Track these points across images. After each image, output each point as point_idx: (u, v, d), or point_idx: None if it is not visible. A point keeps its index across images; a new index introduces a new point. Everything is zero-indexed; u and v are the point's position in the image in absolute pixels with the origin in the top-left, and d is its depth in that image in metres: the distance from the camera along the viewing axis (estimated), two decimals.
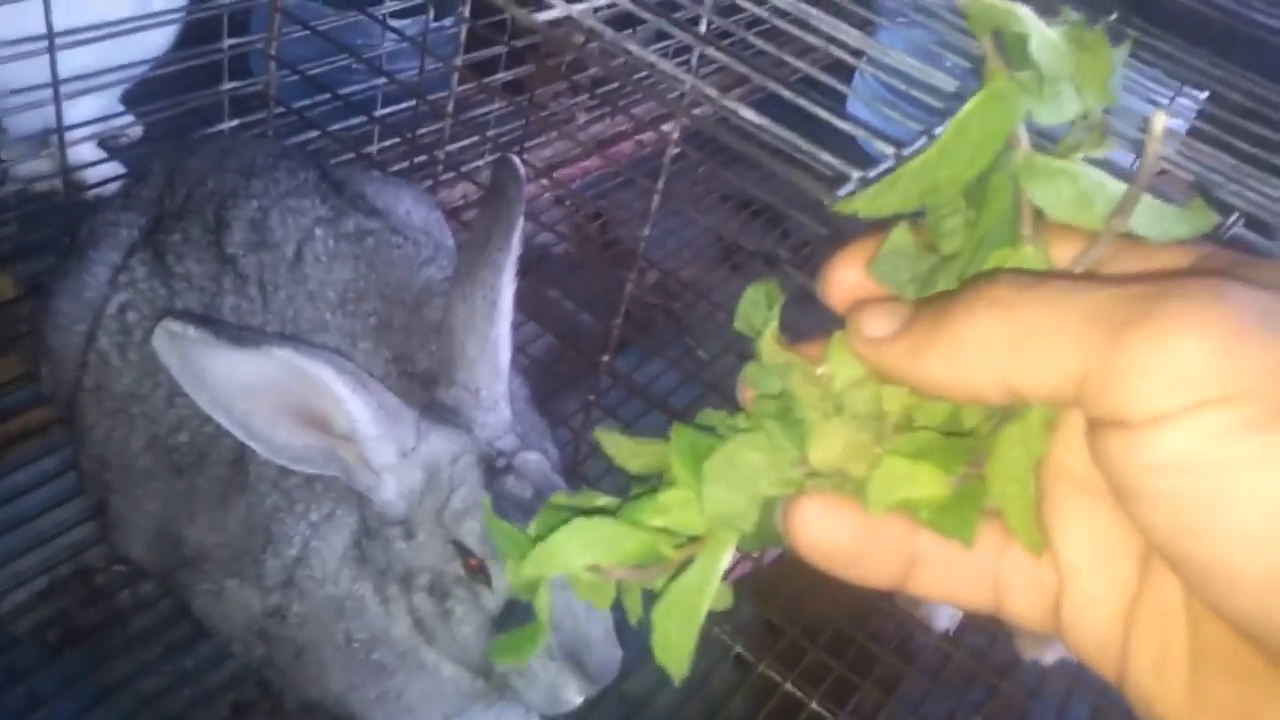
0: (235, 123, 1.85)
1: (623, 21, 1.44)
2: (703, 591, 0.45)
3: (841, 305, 0.46)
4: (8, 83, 1.56)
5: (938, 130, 0.43)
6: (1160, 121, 0.39)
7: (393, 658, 1.09)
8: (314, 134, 1.94)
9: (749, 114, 1.17)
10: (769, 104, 1.23)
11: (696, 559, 0.46)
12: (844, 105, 1.58)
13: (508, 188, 1.12)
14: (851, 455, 0.44)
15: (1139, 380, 0.35)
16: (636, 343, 1.89)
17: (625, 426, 1.71)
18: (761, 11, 1.35)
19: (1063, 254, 0.42)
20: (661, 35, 1.72)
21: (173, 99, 1.82)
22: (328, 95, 1.91)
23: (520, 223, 1.12)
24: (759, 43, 1.37)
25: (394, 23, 1.98)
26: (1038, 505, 0.42)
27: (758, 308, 0.49)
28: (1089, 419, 0.37)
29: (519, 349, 1.48)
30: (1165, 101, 1.76)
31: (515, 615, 1.00)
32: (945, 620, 1.65)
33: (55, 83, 1.50)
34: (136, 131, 1.99)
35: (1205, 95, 1.75)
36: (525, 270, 1.14)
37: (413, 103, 1.96)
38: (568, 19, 1.24)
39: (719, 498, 0.45)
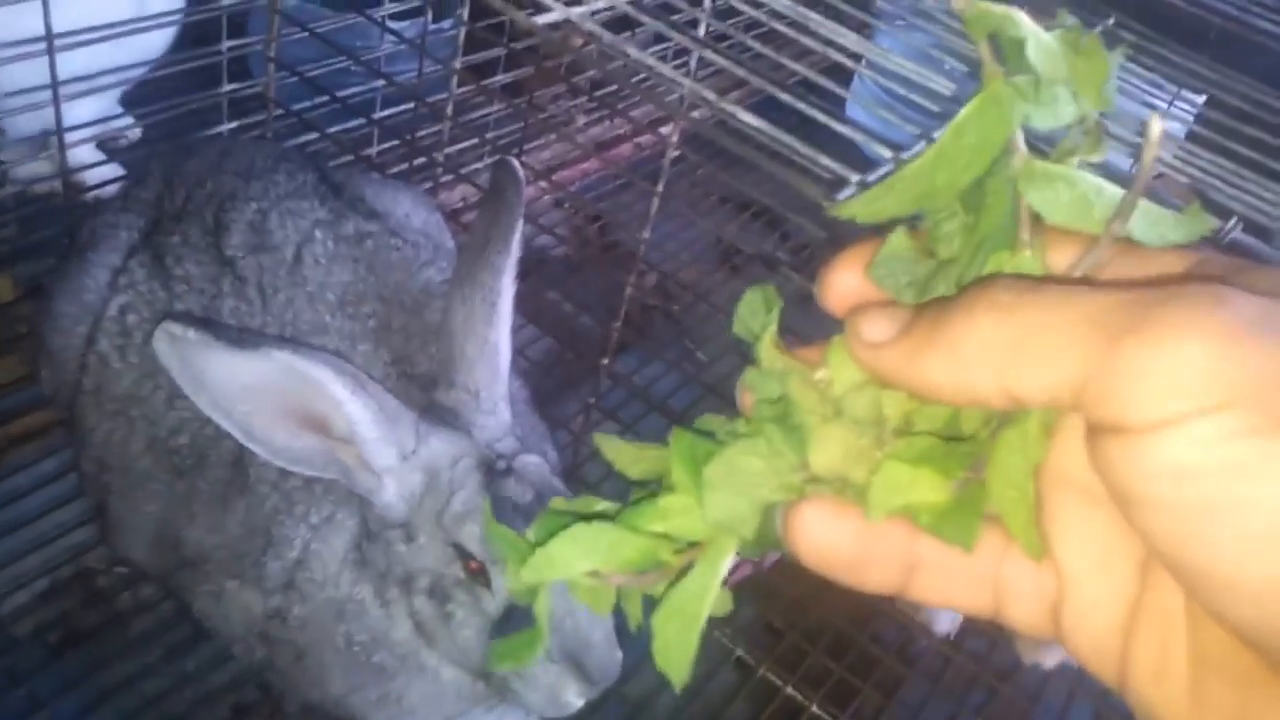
0: (234, 125, 1.85)
1: (621, 24, 1.44)
2: (703, 597, 0.45)
3: (839, 309, 0.46)
4: (7, 84, 1.56)
5: (936, 134, 0.43)
6: (1157, 126, 0.39)
7: (393, 660, 1.09)
8: (313, 136, 1.94)
9: (748, 117, 1.17)
10: (767, 107, 1.23)
11: (697, 565, 0.46)
12: (842, 108, 1.58)
13: (507, 190, 1.12)
14: (851, 460, 0.44)
15: (1139, 386, 0.35)
16: (636, 345, 1.89)
17: (625, 429, 1.71)
18: (760, 15, 1.35)
19: (1060, 258, 0.42)
20: (660, 38, 1.72)
21: (172, 101, 1.82)
22: (327, 97, 1.91)
23: (519, 225, 1.12)
24: (757, 46, 1.37)
25: (393, 25, 1.98)
26: (1037, 510, 0.42)
27: (756, 312, 0.49)
28: (1088, 424, 0.37)
29: (518, 351, 1.48)
30: (1163, 105, 1.76)
31: (516, 618, 1.00)
32: (946, 624, 1.65)
33: (54, 84, 1.50)
34: (135, 133, 1.99)
35: (1203, 99, 1.75)
36: (525, 273, 1.14)
37: (412, 105, 1.96)
38: (566, 22, 1.24)
39: (720, 504, 0.45)
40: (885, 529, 0.43)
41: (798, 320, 0.60)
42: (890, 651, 1.62)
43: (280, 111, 1.87)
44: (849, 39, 1.29)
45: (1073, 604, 0.43)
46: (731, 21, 1.48)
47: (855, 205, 0.44)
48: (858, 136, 1.22)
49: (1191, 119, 1.74)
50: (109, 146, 1.92)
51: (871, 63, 1.34)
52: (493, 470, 1.02)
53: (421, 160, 1.98)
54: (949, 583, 0.45)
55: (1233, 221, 1.30)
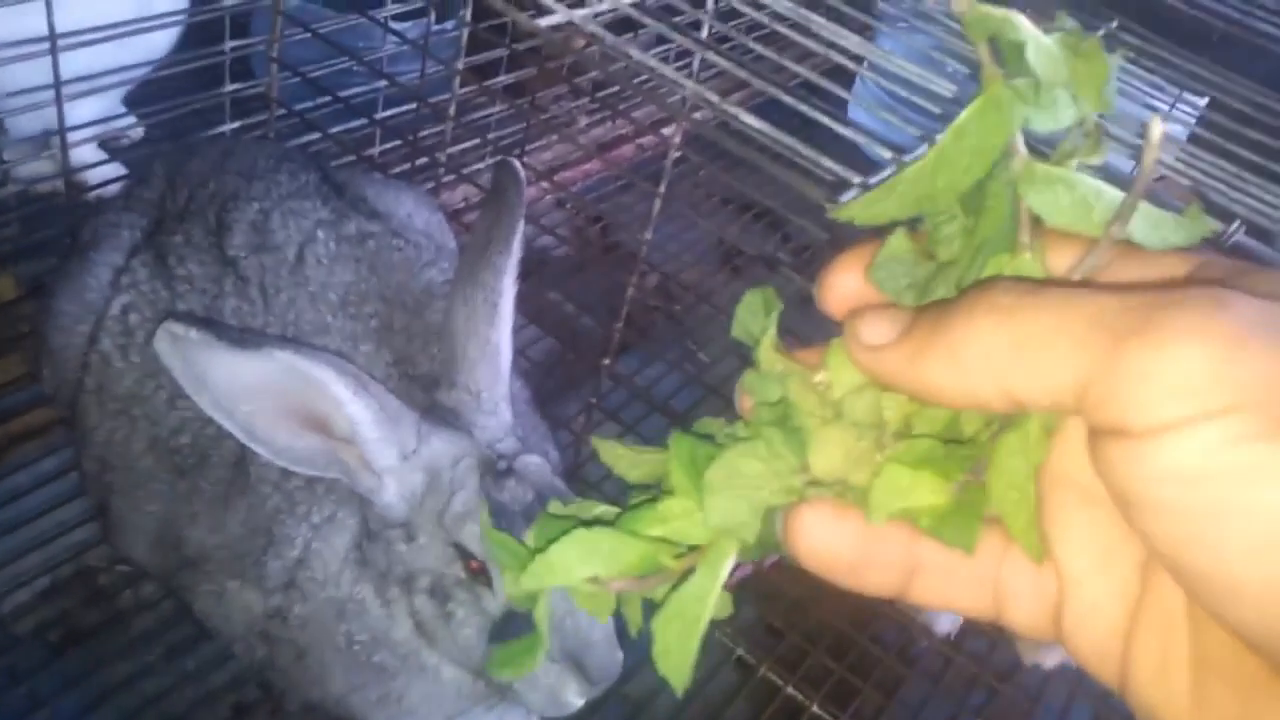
0: (237, 125, 1.85)
1: (623, 26, 1.44)
2: (704, 601, 0.45)
3: (839, 312, 0.46)
4: (10, 84, 1.57)
5: (937, 136, 0.43)
6: (1158, 128, 0.39)
7: (394, 660, 1.09)
8: (315, 136, 1.94)
9: (750, 119, 1.17)
10: (769, 109, 1.23)
11: (697, 569, 0.45)
12: (844, 110, 1.58)
13: (508, 191, 1.12)
14: (851, 463, 0.44)
15: (1141, 390, 0.35)
16: (638, 346, 1.90)
17: (626, 430, 1.71)
18: (762, 17, 1.35)
19: (1060, 261, 0.42)
20: (662, 40, 1.72)
21: (174, 101, 1.82)
22: (329, 98, 1.91)
23: (521, 226, 1.12)
24: (759, 48, 1.37)
25: (395, 26, 1.98)
26: (1038, 512, 0.42)
27: (755, 315, 0.48)
28: (1090, 427, 0.37)
29: (520, 352, 1.48)
30: (1164, 108, 1.76)
31: (517, 618, 1.00)
32: (946, 624, 1.65)
33: (57, 84, 1.50)
34: (138, 133, 2.00)
35: (1205, 102, 1.75)
36: (526, 273, 1.14)
37: (414, 105, 1.96)
38: (569, 23, 1.24)
39: (721, 508, 0.45)
40: (885, 532, 0.43)
41: (799, 322, 0.60)
42: (891, 652, 1.62)
43: (283, 112, 1.87)
44: (851, 41, 1.30)
45: (1073, 606, 0.43)
46: (733, 23, 1.48)
47: (855, 207, 0.44)
48: (859, 138, 1.22)
49: (1193, 122, 1.74)
50: (111, 146, 1.92)
51: (873, 65, 1.34)
52: (494, 470, 1.02)
53: (424, 160, 1.98)
54: (949, 585, 0.45)
55: (1235, 225, 1.30)
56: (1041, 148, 0.43)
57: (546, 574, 0.45)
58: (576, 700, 1.02)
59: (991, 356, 0.39)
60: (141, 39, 1.65)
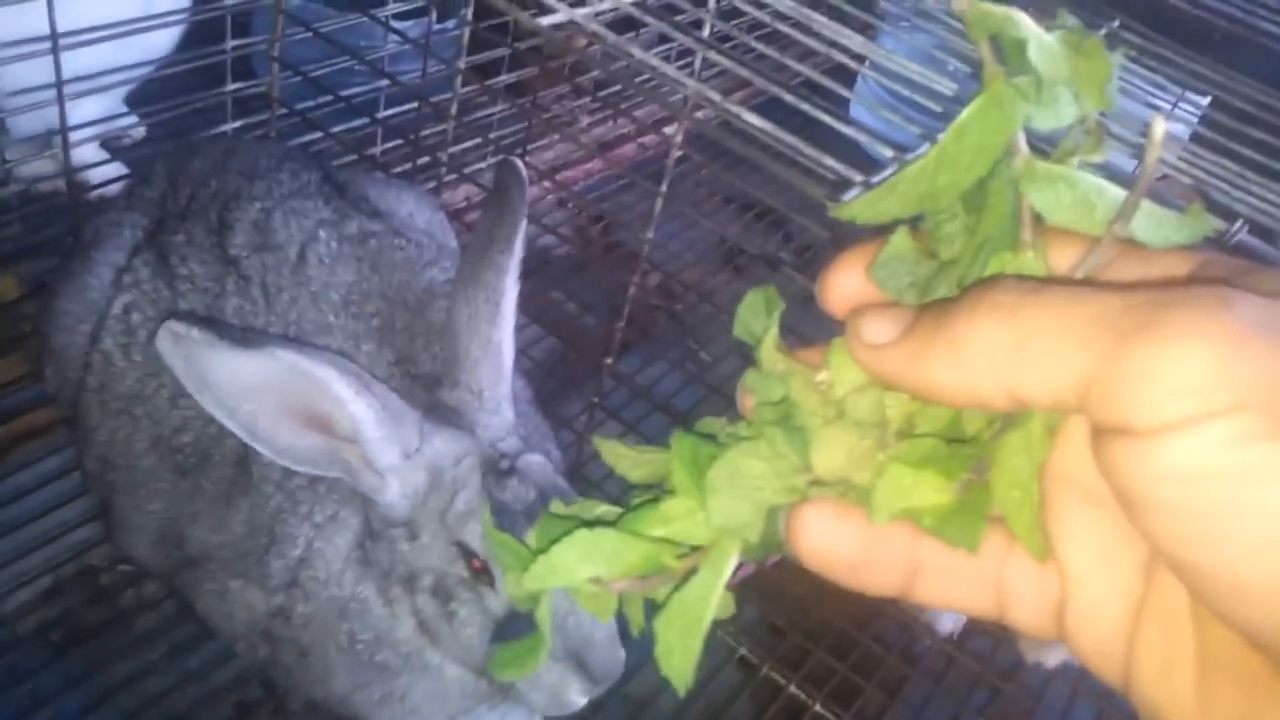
0: (238, 124, 1.85)
1: (625, 25, 1.44)
2: (706, 601, 0.45)
3: (841, 311, 0.46)
4: (11, 83, 1.57)
5: (939, 135, 0.43)
6: (1160, 127, 0.39)
7: (397, 659, 1.09)
8: (317, 135, 1.94)
9: (752, 118, 1.17)
10: (771, 108, 1.23)
11: (700, 569, 0.45)
12: (846, 109, 1.58)
13: (510, 190, 1.12)
14: (854, 462, 0.44)
15: (1145, 389, 0.35)
16: (639, 345, 1.90)
17: (628, 429, 1.71)
18: (763, 16, 1.35)
19: (1062, 259, 0.42)
20: (664, 39, 1.72)
21: (176, 100, 1.82)
22: (330, 97, 1.91)
23: (523, 225, 1.12)
24: (761, 47, 1.37)
25: (397, 25, 1.98)
26: (1041, 511, 0.42)
27: (757, 314, 0.48)
28: (1093, 426, 0.37)
29: (521, 351, 1.48)
30: (1167, 107, 1.76)
31: (519, 616, 1.00)
32: (949, 623, 1.65)
33: (59, 83, 1.50)
34: (139, 132, 2.00)
35: (1207, 101, 1.75)
36: (528, 272, 1.14)
37: (415, 105, 1.96)
38: (570, 22, 1.24)
39: (724, 508, 0.45)
40: (888, 531, 0.43)
41: (801, 321, 0.60)
42: (893, 651, 1.62)
43: (284, 111, 1.87)
44: (853, 40, 1.29)
45: (1076, 604, 0.42)
46: (735, 22, 1.48)
47: (857, 206, 0.44)
48: (861, 137, 1.22)
49: (1195, 121, 1.73)
50: (113, 145, 1.92)
51: (875, 64, 1.34)
52: (496, 469, 1.02)
53: (425, 160, 1.98)
54: (952, 584, 0.45)
55: (1238, 224, 1.30)
56: (1043, 146, 0.43)
57: (548, 575, 0.45)
58: (579, 699, 1.02)
59: (994, 355, 0.39)
60: (143, 38, 1.65)
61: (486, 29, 2.00)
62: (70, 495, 1.46)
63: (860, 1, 1.52)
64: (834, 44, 1.31)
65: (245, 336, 0.92)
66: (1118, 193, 0.41)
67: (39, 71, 1.49)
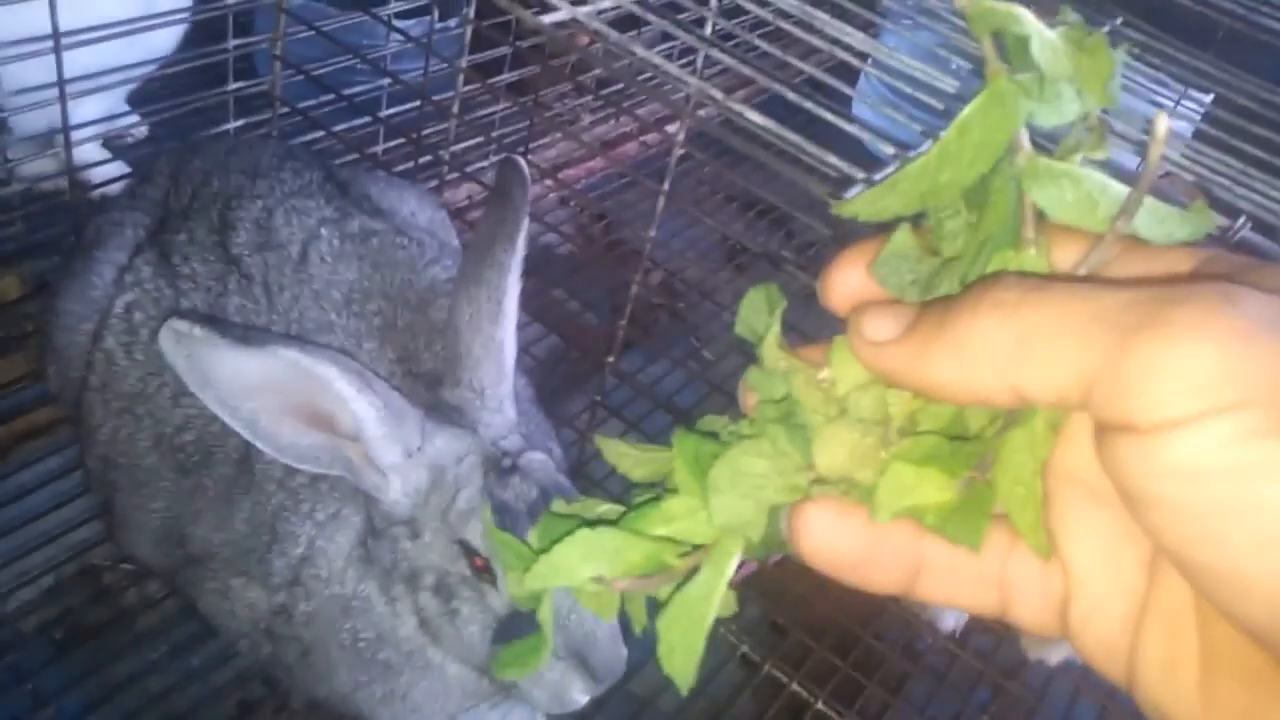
0: (240, 123, 1.85)
1: (627, 23, 1.44)
2: (709, 600, 0.45)
3: (842, 308, 0.46)
4: (13, 82, 1.57)
5: (942, 132, 0.43)
6: (1163, 124, 0.39)
7: (399, 657, 1.09)
8: (319, 134, 1.94)
9: (754, 116, 1.17)
10: (773, 105, 1.23)
11: (702, 568, 0.45)
12: (849, 107, 1.58)
13: (512, 189, 1.12)
14: (856, 460, 0.44)
15: (1149, 385, 0.35)
16: (641, 343, 1.89)
17: (630, 427, 1.71)
18: (766, 14, 1.35)
19: (1065, 256, 0.42)
20: (666, 37, 1.72)
21: (178, 99, 1.82)
22: (332, 96, 1.91)
23: (525, 224, 1.12)
24: (763, 45, 1.37)
25: (399, 23, 1.98)
26: (1044, 509, 0.42)
27: (759, 312, 0.48)
28: (1097, 424, 0.37)
29: (523, 349, 1.48)
30: (1169, 104, 1.76)
31: (522, 614, 1.00)
32: (951, 621, 1.65)
33: (61, 82, 1.50)
34: (142, 131, 2.00)
35: (1210, 98, 1.75)
36: (530, 271, 1.14)
37: (417, 103, 1.96)
38: (573, 20, 1.24)
39: (726, 507, 0.45)
40: (891, 529, 0.43)
41: (803, 319, 0.60)
42: (895, 648, 1.62)
43: (286, 110, 1.87)
44: (855, 38, 1.29)
45: (1080, 602, 0.42)
46: (738, 20, 1.48)
47: (859, 204, 0.44)
48: (864, 135, 1.22)
49: (1198, 118, 1.73)
50: (115, 144, 1.93)
51: (878, 61, 1.34)
52: (498, 468, 1.02)
53: (427, 158, 1.98)
54: (955, 583, 0.45)
55: (1241, 220, 1.30)
56: (1046, 143, 0.43)
57: (550, 574, 0.45)
58: (581, 698, 1.02)
59: (996, 352, 0.39)
60: (145, 37, 1.65)
61: (488, 27, 1.99)
62: (72, 494, 1.46)
63: None
64: (836, 42, 1.31)
65: (247, 335, 0.92)
66: (1120, 190, 0.41)
67: (41, 70, 1.49)
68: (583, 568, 0.45)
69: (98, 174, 1.80)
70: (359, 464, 1.00)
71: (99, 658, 1.37)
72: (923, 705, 1.59)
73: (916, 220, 0.45)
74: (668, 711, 1.49)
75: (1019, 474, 0.42)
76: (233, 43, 1.76)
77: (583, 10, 1.24)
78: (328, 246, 1.22)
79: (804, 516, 0.44)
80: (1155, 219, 0.41)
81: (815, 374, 0.45)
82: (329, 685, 1.14)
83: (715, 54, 1.26)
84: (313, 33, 1.78)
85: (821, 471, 0.44)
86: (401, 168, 1.98)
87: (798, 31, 1.34)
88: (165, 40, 1.77)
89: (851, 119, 1.20)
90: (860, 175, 1.13)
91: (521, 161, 1.14)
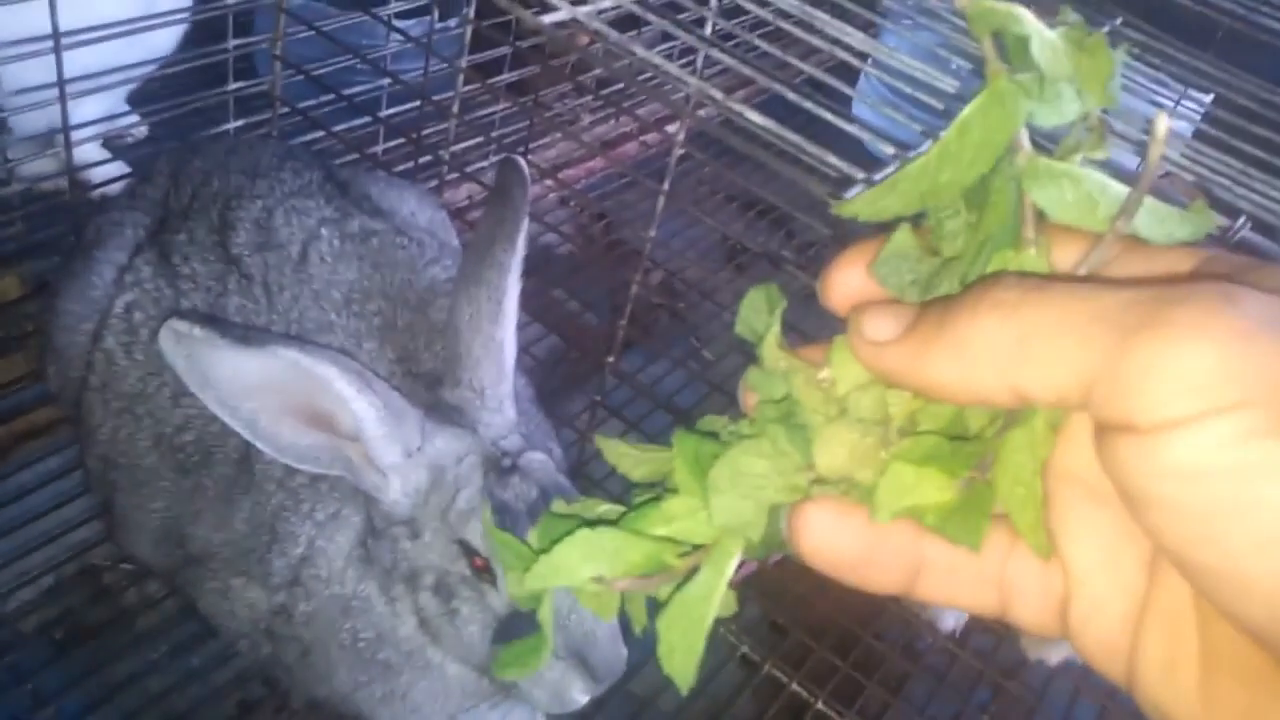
0: (240, 123, 1.85)
1: (627, 23, 1.44)
2: (709, 600, 0.45)
3: (842, 308, 0.46)
4: (13, 82, 1.57)
5: (942, 132, 0.43)
6: (1163, 124, 0.39)
7: (399, 657, 1.09)
8: (319, 134, 1.94)
9: (754, 116, 1.17)
10: (773, 105, 1.23)
11: (702, 567, 0.45)
12: (849, 107, 1.58)
13: (512, 189, 1.12)
14: (856, 460, 0.44)
15: (1149, 385, 0.35)
16: (641, 343, 1.89)
17: (630, 426, 1.71)
18: (766, 14, 1.35)
19: (1065, 256, 0.42)
20: (666, 37, 1.72)
21: (178, 99, 1.82)
22: (332, 96, 1.91)
23: (525, 224, 1.12)
24: (763, 45, 1.37)
25: (399, 23, 1.98)
26: (1044, 509, 0.42)
27: (759, 312, 0.48)
28: (1097, 424, 0.37)
29: (523, 349, 1.48)
30: (1169, 104, 1.76)
31: (522, 614, 1.00)
32: (951, 621, 1.65)
33: (61, 82, 1.50)
34: (141, 131, 2.00)
35: (1210, 98, 1.75)
36: (530, 271, 1.14)
37: (417, 103, 1.96)
38: (573, 20, 1.24)
39: (726, 507, 0.45)
40: (891, 529, 0.43)
41: (803, 319, 0.60)
42: (895, 648, 1.62)
43: (286, 109, 1.87)
44: (855, 38, 1.29)
45: (1080, 602, 0.42)
46: (738, 20, 1.48)
47: (859, 204, 0.44)
48: (864, 135, 1.22)
49: (1198, 118, 1.73)
50: (115, 144, 1.93)
51: (878, 61, 1.34)
52: (498, 467, 1.02)
53: (427, 158, 1.98)
54: (955, 583, 0.45)
55: (1241, 220, 1.30)
56: (1046, 143, 0.43)
57: (550, 574, 0.45)
58: (581, 697, 1.02)
59: (996, 352, 0.39)
60: (145, 37, 1.65)
61: (488, 27, 1.99)
62: (72, 494, 1.46)
63: None
64: (836, 42, 1.31)
65: (247, 335, 0.92)
66: (1120, 189, 0.41)
67: (41, 70, 1.49)
68: (583, 568, 0.45)
69: (98, 174, 1.80)
70: (359, 464, 1.00)
71: (99, 658, 1.37)
72: (923, 705, 1.59)
73: (916, 220, 0.45)
74: (668, 711, 1.49)
75: (1019, 474, 0.42)
76: (233, 43, 1.76)
77: (583, 10, 1.24)
78: (328, 246, 1.22)
79: (804, 516, 0.44)
80: (1155, 219, 0.41)
81: (815, 374, 0.45)
82: (329, 685, 1.14)
83: (715, 54, 1.26)
84: (313, 33, 1.78)
85: (821, 471, 0.44)
86: (401, 168, 1.98)
87: (798, 31, 1.34)
88: (165, 40, 1.77)
89: (851, 119, 1.20)
90: (860, 175, 1.13)
91: (521, 161, 1.14)
